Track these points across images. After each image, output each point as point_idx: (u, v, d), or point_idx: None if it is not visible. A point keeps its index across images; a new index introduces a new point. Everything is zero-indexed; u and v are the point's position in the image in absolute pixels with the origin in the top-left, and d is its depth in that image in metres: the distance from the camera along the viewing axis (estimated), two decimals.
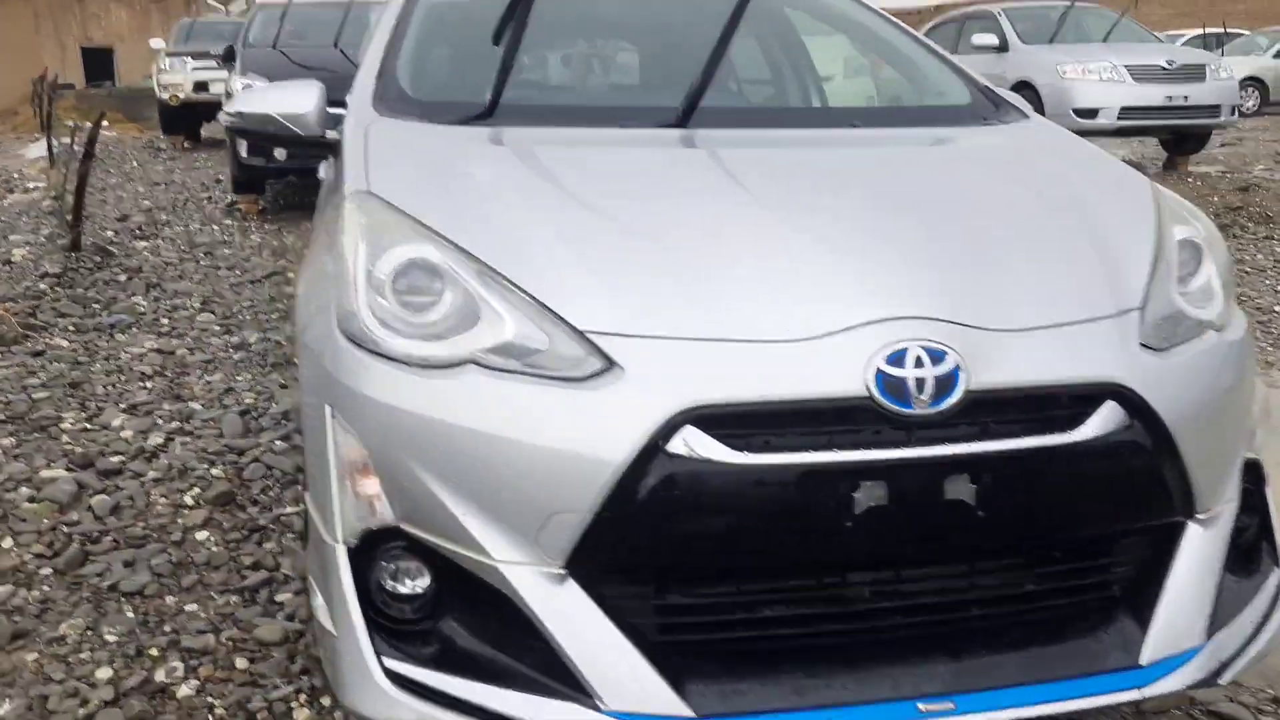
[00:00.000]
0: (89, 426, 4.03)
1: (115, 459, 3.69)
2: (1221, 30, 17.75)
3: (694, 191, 2.09)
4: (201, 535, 3.19)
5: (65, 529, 3.20)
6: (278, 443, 3.88)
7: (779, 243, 1.89)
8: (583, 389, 1.69)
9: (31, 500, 3.36)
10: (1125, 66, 9.78)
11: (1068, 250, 1.97)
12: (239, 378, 4.67)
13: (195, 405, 4.26)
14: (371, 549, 1.81)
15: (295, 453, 3.79)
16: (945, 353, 1.69)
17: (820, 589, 1.75)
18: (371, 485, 1.79)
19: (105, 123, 16.73)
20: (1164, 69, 9.83)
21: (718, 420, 1.65)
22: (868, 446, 1.67)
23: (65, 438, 3.91)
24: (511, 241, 1.88)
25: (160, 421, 4.09)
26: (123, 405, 4.26)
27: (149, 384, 4.55)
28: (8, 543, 3.12)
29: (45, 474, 3.55)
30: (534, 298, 1.77)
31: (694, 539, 1.68)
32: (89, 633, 2.67)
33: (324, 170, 3.73)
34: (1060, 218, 2.08)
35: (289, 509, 3.36)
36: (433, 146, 2.25)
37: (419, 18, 2.80)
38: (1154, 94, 9.73)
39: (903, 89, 2.87)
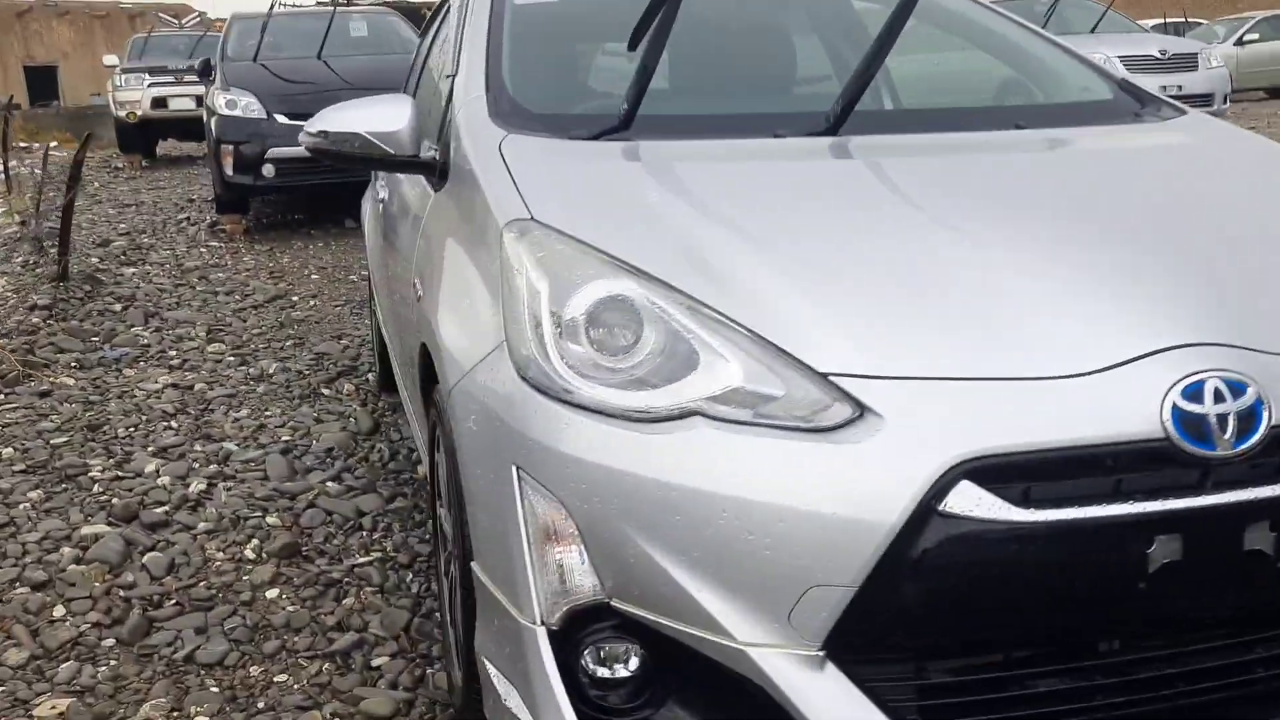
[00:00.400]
0: (120, 474, 3.72)
1: (158, 510, 3.40)
2: (1182, 19, 17.87)
3: (894, 210, 1.86)
4: (272, 593, 2.92)
5: (121, 593, 2.91)
6: (330, 484, 3.61)
7: (1020, 265, 1.67)
8: (834, 441, 1.46)
9: (78, 562, 3.06)
10: (1118, 58, 9.71)
11: None
12: (268, 412, 4.38)
13: (229, 445, 3.97)
14: (577, 630, 1.57)
15: (351, 494, 3.52)
16: (1246, 384, 1.48)
17: (1101, 658, 1.54)
18: (576, 557, 1.55)
19: (55, 143, 16.14)
20: (1157, 59, 9.79)
21: (996, 472, 1.43)
22: (1166, 495, 1.45)
23: (97, 488, 3.61)
24: (713, 273, 1.65)
25: (196, 465, 3.79)
26: (151, 448, 3.96)
27: (173, 423, 4.25)
28: (60, 611, 2.83)
29: (86, 530, 3.26)
30: (761, 336, 1.54)
31: (971, 610, 1.46)
32: (175, 715, 2.40)
33: (383, 190, 3.47)
34: None
35: (359, 559, 3.10)
36: (583, 166, 2.01)
37: (511, 20, 2.55)
38: (1148, 85, 9.64)
39: (1032, 86, 2.67)
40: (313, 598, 2.90)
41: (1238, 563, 1.49)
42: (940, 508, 1.41)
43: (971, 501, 1.41)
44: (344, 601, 2.88)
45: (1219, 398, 1.46)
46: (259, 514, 3.38)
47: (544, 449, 1.56)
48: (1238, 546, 1.48)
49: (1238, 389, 1.47)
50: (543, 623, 1.58)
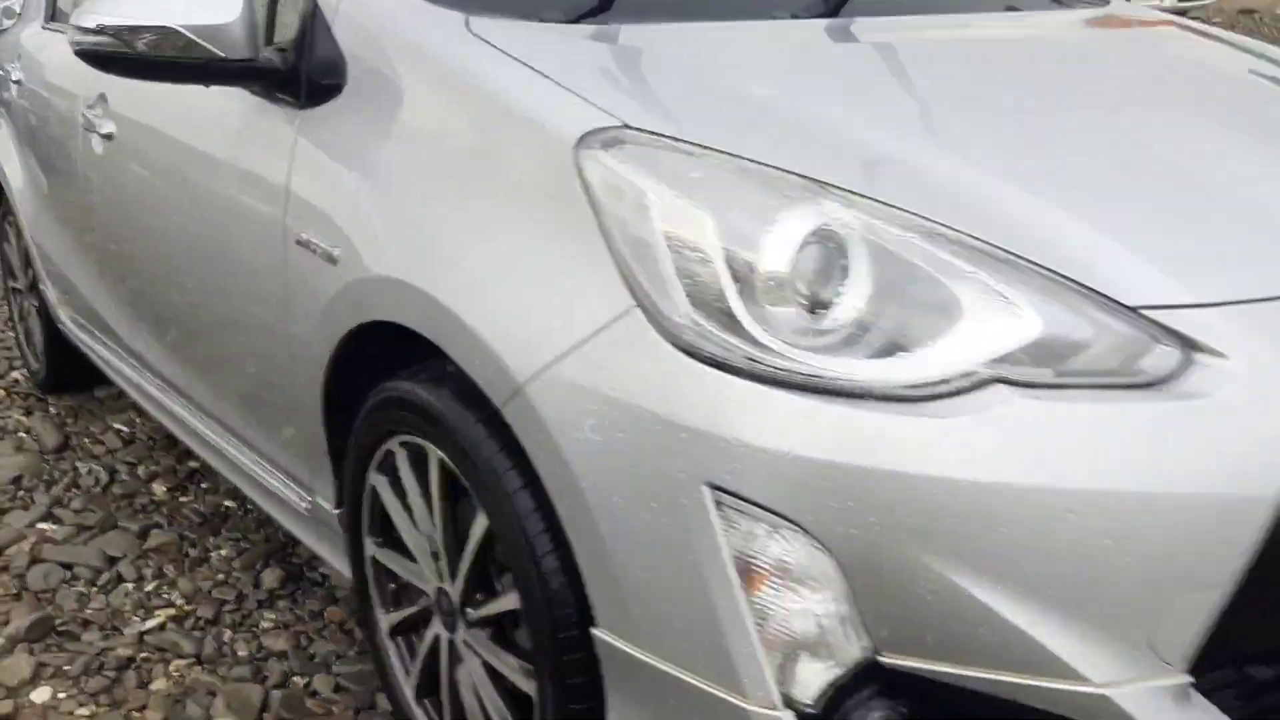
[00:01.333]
0: None
1: None
2: None
3: (1037, 103, 1.50)
4: (41, 695, 2.08)
5: None
6: (46, 527, 2.69)
7: (1215, 161, 1.39)
8: (1182, 396, 1.10)
9: None
10: None
11: None
12: None
13: None
14: (836, 706, 1.10)
15: (86, 536, 2.64)
16: None
17: None
18: (831, 605, 1.08)
19: None
20: None
21: None
22: None
23: None
24: (925, 187, 1.21)
25: None
26: None
27: None
28: None
29: None
30: (1038, 264, 1.14)
31: None
32: None
33: (105, 124, 2.52)
34: None
35: (145, 623, 2.30)
36: (606, 53, 1.45)
37: None
38: None
39: None
40: (105, 690, 2.10)
41: None
42: None
43: None
44: (153, 687, 2.11)
45: None
46: None
47: (770, 456, 1.07)
48: None
49: None
50: (788, 704, 1.09)
